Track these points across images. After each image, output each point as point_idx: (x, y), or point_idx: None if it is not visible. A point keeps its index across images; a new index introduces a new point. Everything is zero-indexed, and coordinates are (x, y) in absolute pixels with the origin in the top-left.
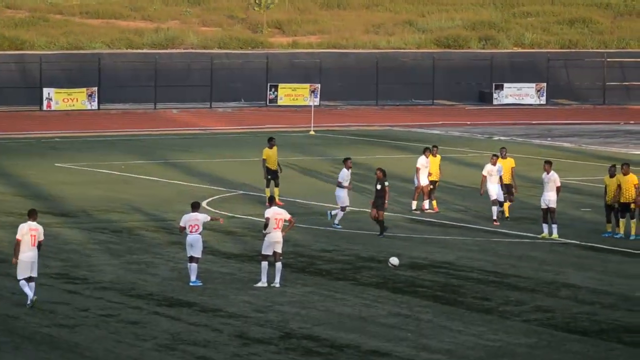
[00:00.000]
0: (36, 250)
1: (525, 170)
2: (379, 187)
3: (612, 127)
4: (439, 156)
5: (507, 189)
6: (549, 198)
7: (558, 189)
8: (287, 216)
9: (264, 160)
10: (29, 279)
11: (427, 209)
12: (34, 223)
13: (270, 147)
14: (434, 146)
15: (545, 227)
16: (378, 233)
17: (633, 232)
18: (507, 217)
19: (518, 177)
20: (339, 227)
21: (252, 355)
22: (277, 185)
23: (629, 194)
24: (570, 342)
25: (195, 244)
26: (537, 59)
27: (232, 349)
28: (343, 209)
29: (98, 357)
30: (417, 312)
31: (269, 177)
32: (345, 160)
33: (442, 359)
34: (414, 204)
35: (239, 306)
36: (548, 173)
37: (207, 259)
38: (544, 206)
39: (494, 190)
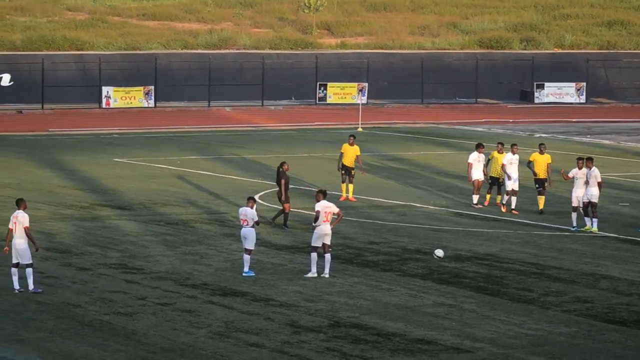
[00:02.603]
0: (23, 237)
1: (566, 166)
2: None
3: None
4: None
5: (541, 183)
6: (592, 193)
7: (599, 185)
8: (336, 210)
9: (341, 154)
10: (20, 265)
11: (475, 204)
12: (20, 211)
13: (350, 144)
14: (499, 143)
15: (587, 220)
16: (284, 224)
17: None
18: (542, 210)
19: (559, 173)
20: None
21: (302, 342)
22: (351, 182)
23: None
24: (609, 332)
25: (248, 236)
26: (576, 59)
27: (283, 337)
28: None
29: (155, 344)
30: (461, 302)
31: (343, 172)
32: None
33: (485, 347)
34: (475, 198)
35: (290, 296)
36: (590, 169)
37: (260, 250)
38: (585, 200)
39: (511, 180)
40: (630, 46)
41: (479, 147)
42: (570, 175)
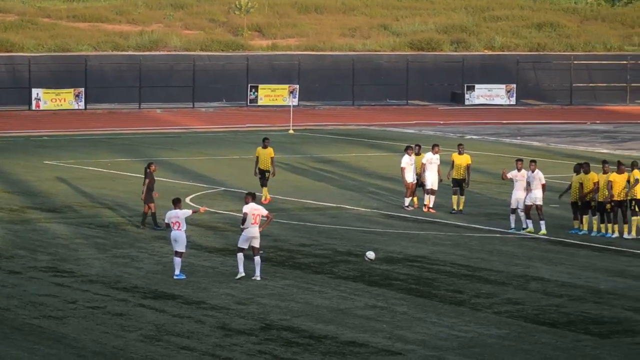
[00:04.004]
0: None
1: (496, 167)
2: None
3: (578, 126)
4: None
5: (459, 183)
6: (536, 195)
7: (543, 187)
8: (265, 212)
9: (257, 158)
10: None
11: (407, 206)
12: None
13: (264, 147)
14: (416, 145)
15: (530, 222)
16: (143, 224)
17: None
18: (462, 209)
19: (489, 175)
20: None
21: (234, 345)
22: (264, 185)
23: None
24: (540, 333)
25: (178, 238)
26: (506, 61)
27: (214, 340)
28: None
29: (85, 347)
30: (392, 305)
31: (260, 176)
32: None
33: (416, 349)
34: (407, 201)
35: (221, 298)
36: (533, 171)
37: (191, 253)
38: (529, 203)
39: (430, 179)
40: (559, 48)
41: (408, 149)
42: (510, 176)
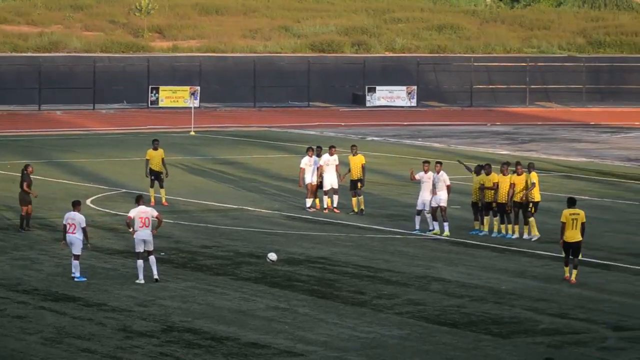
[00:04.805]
0: None
1: (397, 169)
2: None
3: (479, 128)
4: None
5: (355, 184)
6: (441, 197)
7: (448, 188)
8: (155, 214)
9: (147, 160)
10: None
11: (309, 207)
12: None
13: (155, 149)
14: (317, 147)
15: (436, 224)
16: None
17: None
18: (363, 209)
19: (391, 176)
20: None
21: (135, 347)
22: (161, 187)
23: (490, 193)
24: (441, 334)
25: (74, 241)
26: (407, 63)
27: (115, 342)
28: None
29: None
30: (294, 306)
31: (152, 177)
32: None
33: (318, 350)
34: (309, 202)
35: (122, 300)
36: (438, 173)
37: (92, 255)
38: (434, 205)
39: (329, 180)
40: (460, 50)
41: (309, 150)
42: (417, 177)
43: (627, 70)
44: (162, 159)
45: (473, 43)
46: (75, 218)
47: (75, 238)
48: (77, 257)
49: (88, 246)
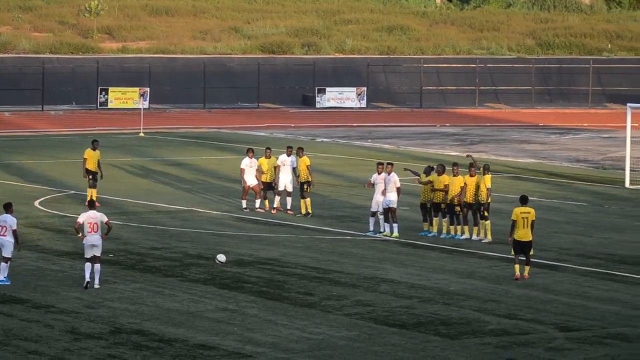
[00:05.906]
0: None
1: (346, 170)
2: None
3: (429, 129)
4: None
5: (302, 186)
6: (390, 199)
7: (398, 190)
8: (105, 219)
9: (85, 160)
10: None
11: (244, 208)
12: None
13: (93, 149)
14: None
15: (386, 226)
16: None
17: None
18: (310, 212)
19: (340, 177)
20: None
21: (83, 349)
22: (93, 187)
23: (440, 194)
24: (390, 335)
25: (5, 244)
26: (357, 64)
27: (63, 344)
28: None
29: None
30: (243, 307)
31: (90, 177)
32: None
33: (266, 352)
34: (244, 203)
35: (70, 302)
36: (389, 174)
37: (39, 256)
38: (385, 206)
39: (284, 180)
40: (409, 51)
41: (249, 152)
42: (372, 180)
43: (576, 72)
44: (99, 160)
45: (423, 44)
46: (7, 220)
47: (6, 240)
48: (6, 259)
49: (18, 249)
